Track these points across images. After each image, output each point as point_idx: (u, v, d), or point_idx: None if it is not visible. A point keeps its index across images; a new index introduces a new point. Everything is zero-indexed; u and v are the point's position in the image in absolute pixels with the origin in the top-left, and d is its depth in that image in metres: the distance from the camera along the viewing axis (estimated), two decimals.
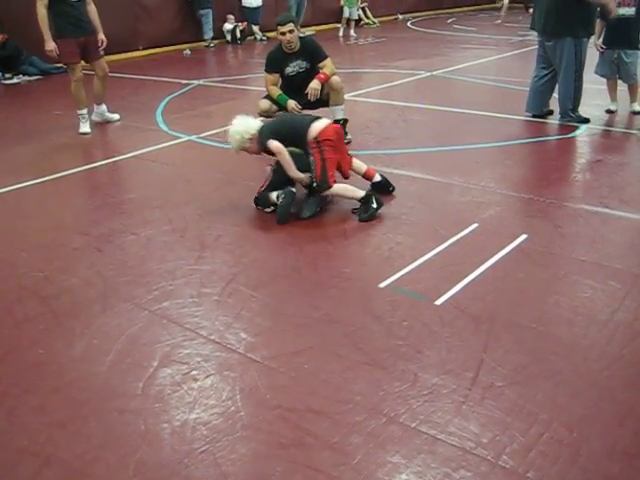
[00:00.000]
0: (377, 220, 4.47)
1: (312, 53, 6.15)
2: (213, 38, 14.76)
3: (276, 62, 6.20)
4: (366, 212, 4.53)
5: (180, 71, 11.32)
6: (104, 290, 3.65)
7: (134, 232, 4.42)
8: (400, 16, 19.97)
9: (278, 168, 4.69)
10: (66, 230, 4.55)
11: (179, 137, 6.62)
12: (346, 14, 16.31)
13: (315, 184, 4.60)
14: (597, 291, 3.46)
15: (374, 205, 4.54)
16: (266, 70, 6.27)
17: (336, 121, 6.29)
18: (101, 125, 7.52)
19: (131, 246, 4.22)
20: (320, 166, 4.57)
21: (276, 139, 4.59)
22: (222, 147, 6.08)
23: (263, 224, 4.54)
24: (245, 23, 15.40)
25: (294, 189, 4.66)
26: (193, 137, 6.79)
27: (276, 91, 6.14)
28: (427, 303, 3.37)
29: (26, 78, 11.15)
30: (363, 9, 18.14)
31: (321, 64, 6.11)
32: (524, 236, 4.10)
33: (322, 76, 6.03)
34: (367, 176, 4.96)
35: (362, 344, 3.04)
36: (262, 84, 6.47)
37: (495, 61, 11.51)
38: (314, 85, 5.98)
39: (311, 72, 6.10)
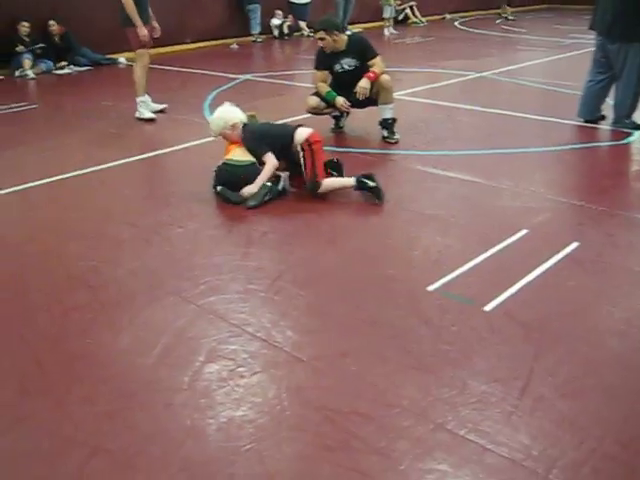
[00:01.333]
0: (426, 222, 4.43)
1: (362, 51, 6.11)
2: (260, 33, 14.79)
3: (325, 59, 6.18)
4: (374, 194, 4.70)
5: (227, 65, 11.36)
6: (151, 282, 3.67)
7: (181, 225, 4.44)
8: (448, 15, 19.79)
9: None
10: (114, 221, 4.58)
11: None
12: (386, 14, 16.18)
13: (306, 184, 4.81)
14: None
15: (372, 183, 4.71)
16: (315, 67, 6.27)
17: (384, 120, 6.27)
18: None
19: (178, 239, 4.23)
20: (311, 166, 4.77)
21: (265, 142, 4.81)
22: None
23: (309, 221, 4.52)
24: (293, 19, 15.43)
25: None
26: None
27: (325, 88, 6.12)
28: (476, 308, 3.31)
29: (77, 69, 11.30)
30: (411, 8, 18.03)
31: (371, 62, 6.07)
32: (575, 244, 4.00)
33: (371, 75, 5.98)
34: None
35: (410, 347, 3.00)
36: (309, 81, 6.45)
37: (546, 63, 11.31)
38: (363, 84, 5.94)
39: (361, 70, 6.06)
